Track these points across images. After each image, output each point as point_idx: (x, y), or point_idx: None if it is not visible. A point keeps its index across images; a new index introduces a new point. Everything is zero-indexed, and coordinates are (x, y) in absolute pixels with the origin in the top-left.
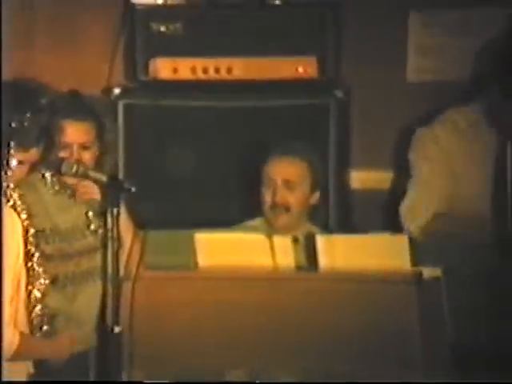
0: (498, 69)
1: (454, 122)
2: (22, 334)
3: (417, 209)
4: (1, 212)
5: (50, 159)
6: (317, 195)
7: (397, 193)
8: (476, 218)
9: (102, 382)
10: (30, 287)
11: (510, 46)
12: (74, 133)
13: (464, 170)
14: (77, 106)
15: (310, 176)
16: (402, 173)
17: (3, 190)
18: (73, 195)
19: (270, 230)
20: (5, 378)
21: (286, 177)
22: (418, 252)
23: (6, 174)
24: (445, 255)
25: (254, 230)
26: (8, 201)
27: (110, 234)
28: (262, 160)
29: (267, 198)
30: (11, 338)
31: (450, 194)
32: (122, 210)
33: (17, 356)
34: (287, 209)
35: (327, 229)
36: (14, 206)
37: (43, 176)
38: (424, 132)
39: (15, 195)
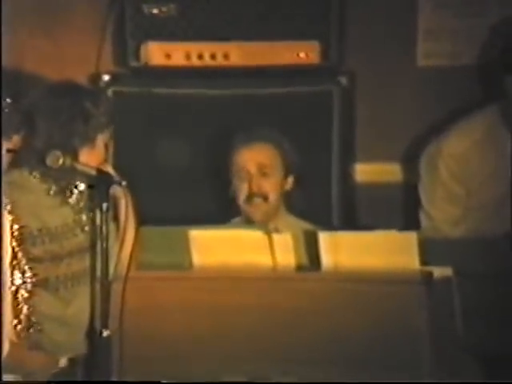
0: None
1: (467, 135)
2: (11, 343)
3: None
4: (1, 211)
5: (34, 150)
6: (290, 180)
7: (405, 187)
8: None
9: (103, 382)
10: (15, 288)
11: None
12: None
13: (481, 181)
14: (59, 90)
15: (282, 160)
16: (411, 166)
17: None
18: (62, 192)
19: (248, 226)
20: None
21: (259, 163)
22: (428, 250)
23: None
24: (456, 253)
25: (243, 226)
26: None
27: (98, 232)
28: (227, 150)
29: (242, 189)
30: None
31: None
32: (129, 204)
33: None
34: (265, 197)
35: (329, 225)
36: None
37: (30, 173)
38: (435, 151)
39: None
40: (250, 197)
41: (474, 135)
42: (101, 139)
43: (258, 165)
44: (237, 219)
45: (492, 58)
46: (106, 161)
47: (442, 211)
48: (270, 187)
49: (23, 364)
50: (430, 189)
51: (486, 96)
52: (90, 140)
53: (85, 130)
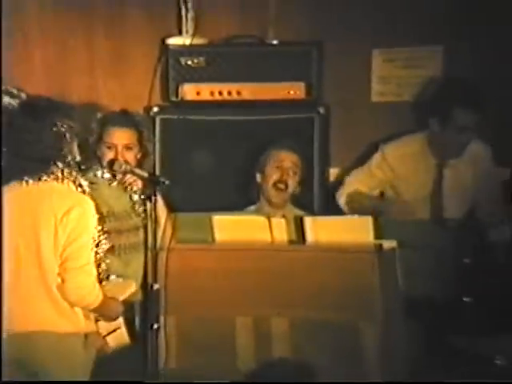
0: (437, 103)
1: (404, 146)
2: (103, 295)
3: (350, 184)
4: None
5: (104, 160)
6: (299, 188)
7: None
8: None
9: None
10: (94, 252)
11: (445, 85)
12: (121, 137)
13: (406, 180)
14: (121, 117)
15: (301, 170)
16: None
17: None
18: (122, 187)
19: (267, 208)
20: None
21: (291, 163)
22: (380, 228)
23: (79, 169)
24: (401, 231)
25: (256, 212)
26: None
27: (149, 215)
28: (262, 152)
29: (274, 176)
30: (98, 294)
31: (384, 188)
32: (159, 198)
33: (96, 309)
34: (286, 187)
35: (312, 212)
36: (84, 193)
37: (102, 175)
38: (384, 148)
39: (85, 185)
40: (279, 181)
41: (410, 147)
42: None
43: (291, 163)
44: (250, 208)
45: (425, 99)
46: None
47: (368, 172)
48: (292, 183)
49: (109, 308)
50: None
51: (420, 123)
52: None
53: None
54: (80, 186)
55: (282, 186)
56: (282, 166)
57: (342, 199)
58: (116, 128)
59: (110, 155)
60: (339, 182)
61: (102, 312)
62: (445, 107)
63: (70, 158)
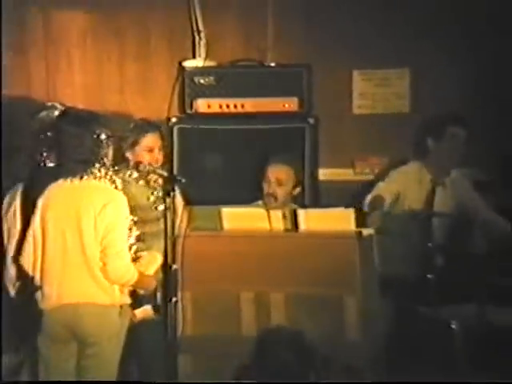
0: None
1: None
2: (138, 272)
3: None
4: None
5: (133, 163)
6: (298, 189)
7: (349, 183)
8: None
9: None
10: (128, 238)
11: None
12: (156, 140)
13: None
14: (152, 125)
15: (294, 178)
16: (352, 171)
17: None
18: (147, 184)
19: (271, 205)
20: None
21: (278, 177)
22: (361, 219)
23: (114, 169)
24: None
25: (258, 207)
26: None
27: (168, 209)
28: (264, 165)
29: (265, 189)
30: (133, 273)
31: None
32: (177, 193)
33: (134, 284)
34: (275, 198)
35: (304, 206)
36: (117, 189)
37: (130, 174)
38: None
39: (119, 184)
40: (267, 195)
41: (411, 173)
42: (153, 142)
43: (276, 178)
44: (255, 203)
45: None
46: (166, 165)
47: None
48: (281, 193)
49: (145, 282)
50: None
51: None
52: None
53: None
54: (114, 183)
55: (271, 198)
56: (269, 181)
57: (368, 198)
58: (151, 134)
59: (147, 157)
60: (328, 180)
61: (139, 286)
62: (439, 126)
63: (106, 160)
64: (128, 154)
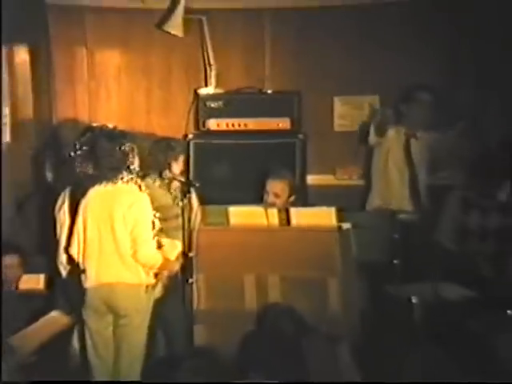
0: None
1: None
2: (163, 257)
3: None
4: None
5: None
6: (292, 198)
7: (330, 187)
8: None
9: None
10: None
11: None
12: (181, 159)
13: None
14: (176, 145)
15: (289, 189)
16: (333, 177)
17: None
18: (167, 188)
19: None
20: None
21: (275, 191)
22: (341, 216)
23: (139, 176)
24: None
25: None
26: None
27: (185, 208)
28: (262, 171)
29: (266, 199)
30: (159, 258)
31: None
32: (193, 195)
33: (160, 267)
34: (274, 206)
35: (295, 205)
36: (142, 192)
37: (154, 180)
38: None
39: (143, 187)
40: (268, 205)
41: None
42: (181, 160)
43: (273, 191)
44: (262, 205)
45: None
46: (184, 172)
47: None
48: (279, 202)
49: (168, 266)
50: None
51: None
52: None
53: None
54: (139, 187)
55: (270, 205)
56: (268, 193)
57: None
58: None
59: (175, 166)
60: (314, 184)
61: (164, 268)
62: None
63: (132, 168)
64: (172, 166)
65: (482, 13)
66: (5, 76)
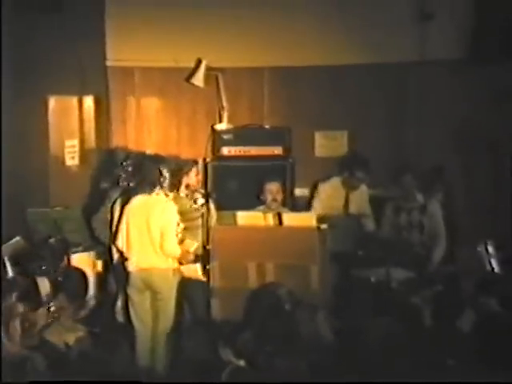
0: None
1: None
2: (182, 250)
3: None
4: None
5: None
6: (284, 198)
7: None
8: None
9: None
10: (179, 232)
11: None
12: (197, 170)
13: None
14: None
15: (282, 191)
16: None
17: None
18: (190, 198)
19: (267, 210)
20: None
21: (276, 188)
22: (319, 219)
23: (168, 189)
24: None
25: (262, 210)
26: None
27: (205, 212)
28: (264, 183)
29: (270, 196)
30: (177, 250)
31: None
32: (211, 204)
33: (179, 257)
34: (276, 201)
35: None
36: (168, 199)
37: (180, 191)
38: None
39: (170, 197)
40: (273, 199)
41: (332, 184)
42: (194, 172)
43: (277, 188)
44: (259, 207)
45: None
46: (198, 183)
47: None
48: (279, 197)
49: (185, 257)
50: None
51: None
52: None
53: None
54: (168, 197)
55: (275, 202)
56: (273, 191)
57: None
58: (195, 167)
59: (194, 179)
60: (301, 196)
61: (182, 258)
62: (350, 168)
63: (164, 183)
64: (183, 179)
65: None
66: (76, 116)
